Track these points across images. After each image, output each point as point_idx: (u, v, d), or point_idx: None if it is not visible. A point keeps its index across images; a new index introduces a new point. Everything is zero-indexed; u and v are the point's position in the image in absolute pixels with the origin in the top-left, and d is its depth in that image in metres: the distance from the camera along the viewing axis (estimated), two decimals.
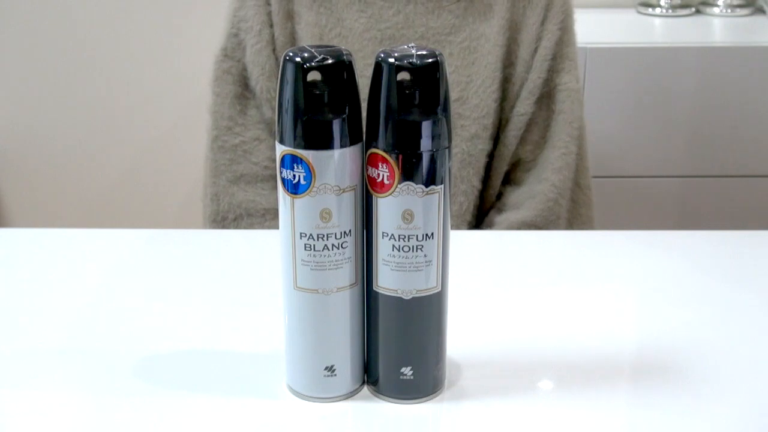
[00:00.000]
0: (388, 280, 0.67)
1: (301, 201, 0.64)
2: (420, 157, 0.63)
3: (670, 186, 1.87)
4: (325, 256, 0.66)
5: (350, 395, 0.71)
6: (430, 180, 0.64)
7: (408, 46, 0.63)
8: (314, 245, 0.65)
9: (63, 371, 0.76)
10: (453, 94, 1.15)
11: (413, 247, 0.65)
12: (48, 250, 0.99)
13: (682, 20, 2.00)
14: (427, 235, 0.65)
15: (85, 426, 0.69)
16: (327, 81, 0.63)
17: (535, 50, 1.15)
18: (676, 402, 0.71)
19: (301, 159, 0.63)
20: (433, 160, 0.63)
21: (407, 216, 0.64)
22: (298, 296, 0.67)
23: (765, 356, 0.78)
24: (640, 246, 1.00)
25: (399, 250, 0.65)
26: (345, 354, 0.69)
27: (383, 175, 0.64)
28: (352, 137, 0.64)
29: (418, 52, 0.62)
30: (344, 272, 0.67)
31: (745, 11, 2.01)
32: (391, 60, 0.62)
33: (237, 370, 0.75)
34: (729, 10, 2.01)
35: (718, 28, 1.97)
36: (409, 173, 0.63)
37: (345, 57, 0.63)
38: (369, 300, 0.69)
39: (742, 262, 0.96)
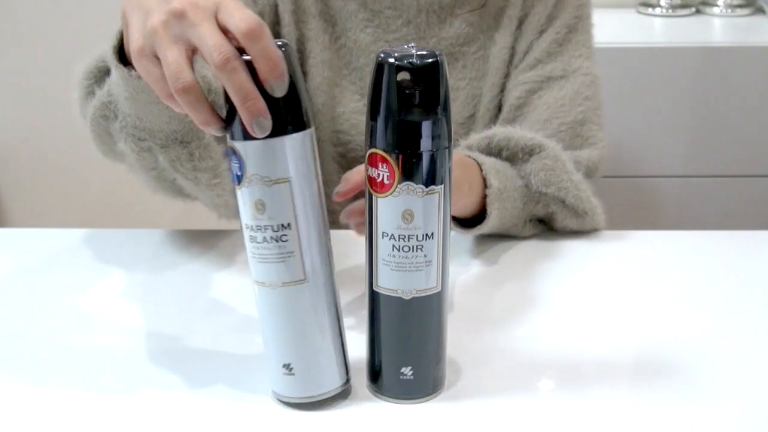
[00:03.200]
0: (388, 280, 0.67)
1: (239, 192, 0.64)
2: (420, 157, 0.63)
3: (670, 186, 1.87)
4: (265, 248, 0.65)
5: (318, 399, 0.69)
6: (430, 180, 0.64)
7: (408, 46, 0.63)
8: (256, 237, 0.65)
9: (63, 371, 0.76)
10: (465, 111, 1.10)
11: (413, 247, 0.65)
12: (48, 250, 0.99)
13: (682, 20, 2.00)
14: (427, 235, 0.65)
15: (82, 426, 0.69)
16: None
17: (540, 33, 1.07)
18: (676, 402, 0.71)
19: (234, 150, 0.63)
20: (433, 160, 0.63)
21: (407, 216, 0.64)
22: (255, 289, 0.67)
23: (765, 356, 0.78)
24: (640, 246, 1.00)
25: (399, 250, 0.65)
26: (301, 353, 0.68)
27: (383, 175, 0.64)
28: (276, 127, 0.62)
29: (418, 52, 0.62)
30: (288, 267, 0.65)
31: (745, 11, 2.01)
32: (391, 60, 0.62)
33: (237, 370, 0.75)
34: (729, 10, 2.01)
35: (718, 28, 1.97)
36: (409, 173, 0.63)
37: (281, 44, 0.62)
38: (369, 300, 0.69)
39: (742, 262, 0.96)
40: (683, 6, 2.03)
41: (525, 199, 0.97)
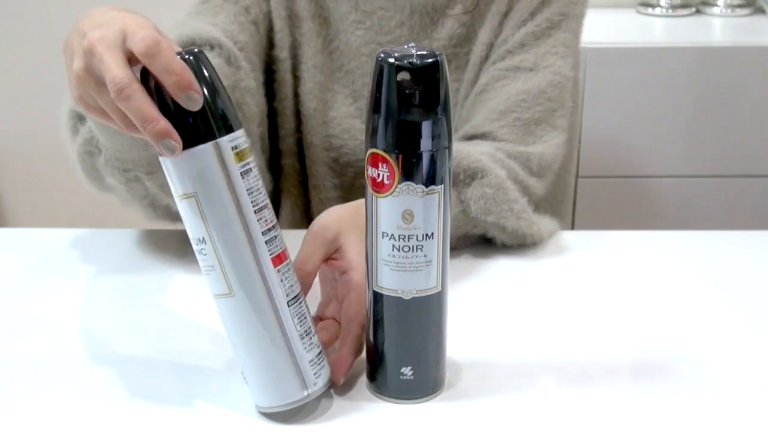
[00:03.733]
0: (388, 280, 0.67)
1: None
2: (420, 157, 0.63)
3: (670, 186, 1.87)
4: (199, 260, 0.65)
5: (271, 410, 0.68)
6: (430, 180, 0.64)
7: (408, 46, 0.63)
8: (193, 249, 0.65)
9: (61, 372, 0.76)
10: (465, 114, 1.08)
11: (413, 247, 0.65)
12: (48, 250, 0.99)
13: (682, 20, 2.00)
14: (427, 235, 0.65)
15: (77, 427, 0.69)
16: (144, 80, 0.61)
17: (519, 28, 1.03)
18: (676, 402, 0.71)
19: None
20: (433, 160, 0.63)
21: (407, 216, 0.64)
22: None
23: (765, 356, 0.78)
24: (641, 246, 1.00)
25: (399, 250, 0.65)
26: (245, 364, 0.67)
27: (383, 175, 0.64)
28: (186, 141, 0.60)
29: (418, 52, 0.62)
30: (213, 281, 0.64)
31: (745, 11, 2.01)
32: (391, 60, 0.62)
33: (236, 369, 0.75)
34: (729, 10, 2.01)
35: (718, 28, 1.98)
36: (409, 173, 0.63)
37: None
38: (369, 300, 0.69)
39: (742, 262, 0.96)
40: (683, 6, 2.03)
41: (460, 223, 0.93)
